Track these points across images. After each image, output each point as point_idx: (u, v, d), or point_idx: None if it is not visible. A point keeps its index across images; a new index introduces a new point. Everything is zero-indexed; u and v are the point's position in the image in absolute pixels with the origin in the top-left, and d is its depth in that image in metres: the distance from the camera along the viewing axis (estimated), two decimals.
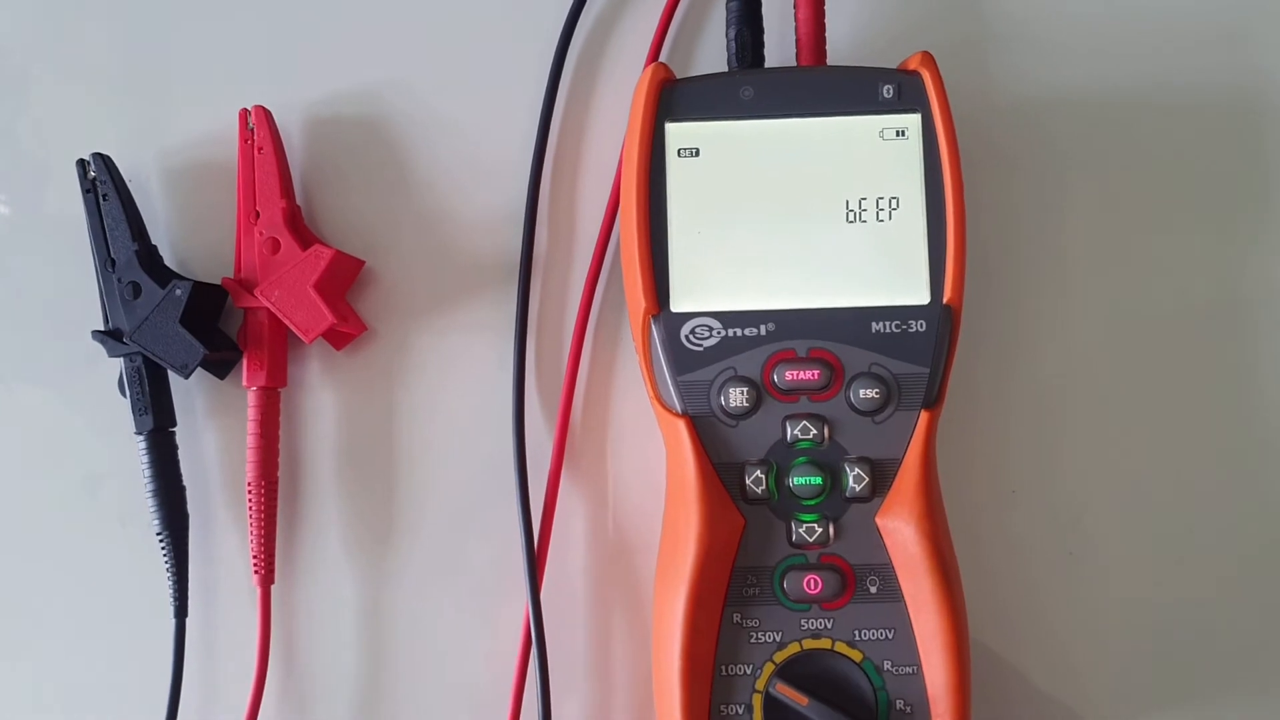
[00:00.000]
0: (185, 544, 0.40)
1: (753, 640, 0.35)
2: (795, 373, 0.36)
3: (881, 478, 0.35)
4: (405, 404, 0.42)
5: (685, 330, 0.36)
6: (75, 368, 0.42)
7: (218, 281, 0.41)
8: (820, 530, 0.35)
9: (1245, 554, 0.40)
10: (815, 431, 0.36)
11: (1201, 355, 0.41)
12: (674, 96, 0.37)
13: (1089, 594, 0.40)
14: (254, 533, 0.40)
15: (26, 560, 0.42)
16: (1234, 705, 0.40)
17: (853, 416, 0.36)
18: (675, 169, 0.37)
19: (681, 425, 0.36)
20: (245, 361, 0.41)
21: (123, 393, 0.40)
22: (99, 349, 0.40)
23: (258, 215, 0.40)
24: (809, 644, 0.35)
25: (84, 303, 0.42)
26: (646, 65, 0.38)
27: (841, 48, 0.41)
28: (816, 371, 0.35)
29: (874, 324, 0.36)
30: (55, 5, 0.44)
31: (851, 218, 0.36)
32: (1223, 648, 0.40)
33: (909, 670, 0.35)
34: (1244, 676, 0.40)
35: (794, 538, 0.35)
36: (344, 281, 0.41)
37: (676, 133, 0.37)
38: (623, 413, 0.41)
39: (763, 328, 0.36)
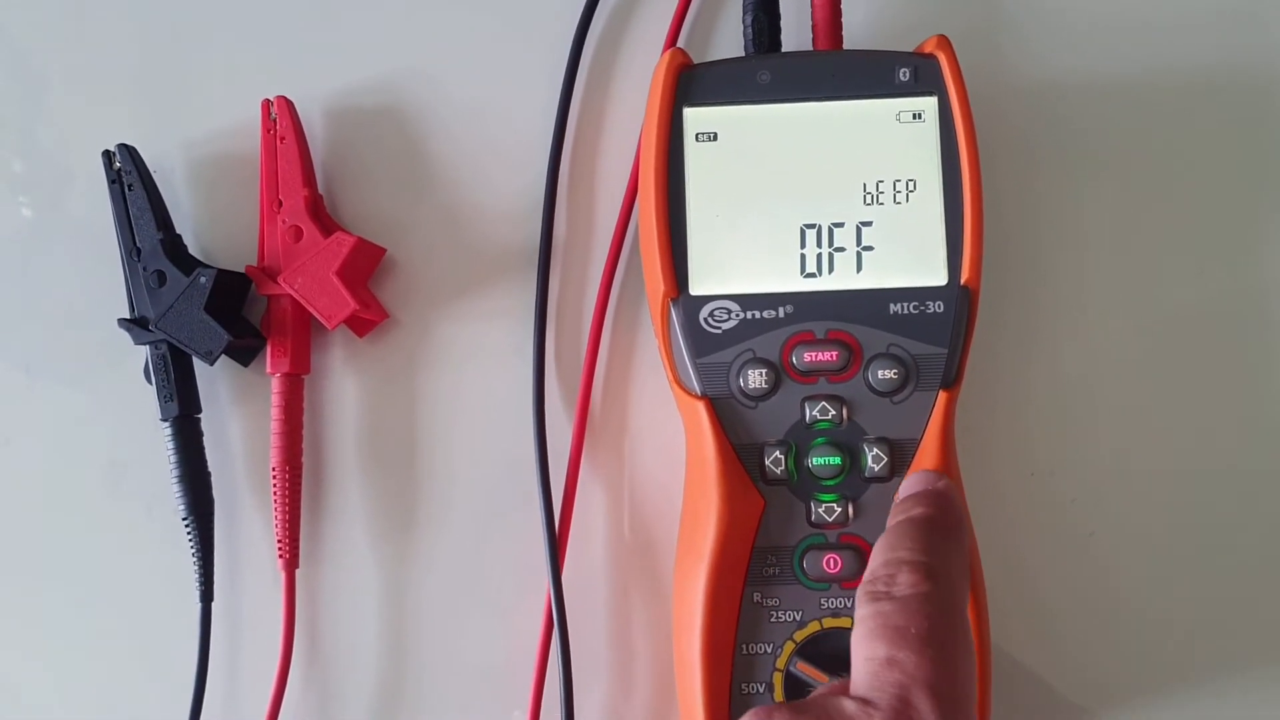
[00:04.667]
0: (211, 529, 0.41)
1: (773, 619, 0.35)
2: (814, 354, 0.36)
3: (900, 458, 0.35)
4: (427, 390, 0.42)
5: (704, 313, 0.36)
6: (99, 359, 0.43)
7: (241, 269, 0.41)
8: (839, 510, 0.36)
9: (1267, 538, 0.40)
10: (834, 412, 0.36)
11: (1221, 337, 0.41)
12: (692, 82, 0.37)
13: (1107, 574, 0.40)
14: (278, 518, 0.41)
15: (54, 547, 0.43)
16: (1253, 690, 0.40)
17: (871, 397, 0.36)
18: (693, 153, 0.37)
19: (701, 407, 0.36)
20: (269, 348, 0.41)
21: (148, 380, 0.41)
22: (122, 341, 0.41)
23: (280, 204, 0.41)
24: (829, 623, 0.35)
25: (107, 297, 0.42)
26: (664, 51, 0.38)
27: (857, 32, 0.41)
28: (835, 353, 0.36)
29: (892, 305, 0.36)
30: (76, 1, 0.45)
31: (869, 200, 0.37)
32: (1244, 632, 0.40)
33: None
34: (1265, 660, 0.40)
35: (813, 518, 0.36)
36: (366, 269, 0.42)
37: (694, 117, 0.37)
38: (642, 397, 0.42)
39: (781, 310, 0.36)
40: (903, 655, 0.27)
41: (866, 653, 0.28)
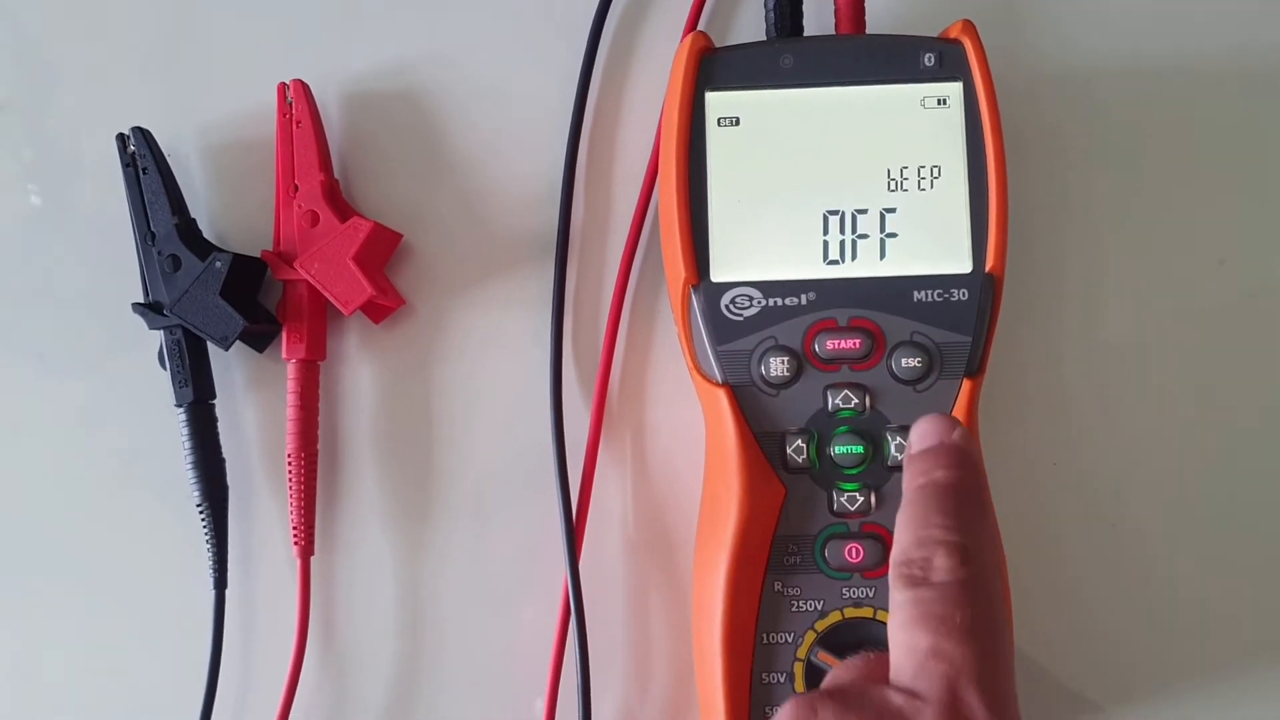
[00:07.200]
0: (225, 516, 0.41)
1: (794, 609, 0.35)
2: (836, 342, 0.35)
3: None
4: (443, 377, 0.42)
5: (725, 300, 0.36)
6: (113, 345, 0.43)
7: (257, 254, 0.41)
8: (862, 499, 0.35)
9: None
10: (856, 400, 0.35)
11: (1246, 326, 0.41)
12: (714, 65, 0.37)
13: (1129, 565, 0.40)
14: (294, 504, 0.40)
15: (67, 534, 0.42)
16: (1276, 685, 0.40)
17: (894, 385, 0.35)
18: (715, 138, 0.37)
19: (722, 395, 0.36)
20: (284, 334, 0.41)
21: (163, 365, 0.41)
22: (135, 328, 0.41)
23: (296, 188, 0.41)
24: (851, 613, 0.35)
25: (121, 283, 0.42)
26: (685, 34, 0.38)
27: (880, 16, 0.40)
28: (858, 340, 0.35)
29: (915, 293, 0.36)
30: None
31: (893, 186, 0.36)
32: (1267, 626, 0.40)
33: None
34: None
35: (835, 506, 0.35)
36: (382, 254, 0.41)
37: (716, 102, 0.37)
38: (661, 384, 0.41)
39: (803, 297, 0.36)
40: (948, 646, 0.26)
41: (908, 641, 0.27)
